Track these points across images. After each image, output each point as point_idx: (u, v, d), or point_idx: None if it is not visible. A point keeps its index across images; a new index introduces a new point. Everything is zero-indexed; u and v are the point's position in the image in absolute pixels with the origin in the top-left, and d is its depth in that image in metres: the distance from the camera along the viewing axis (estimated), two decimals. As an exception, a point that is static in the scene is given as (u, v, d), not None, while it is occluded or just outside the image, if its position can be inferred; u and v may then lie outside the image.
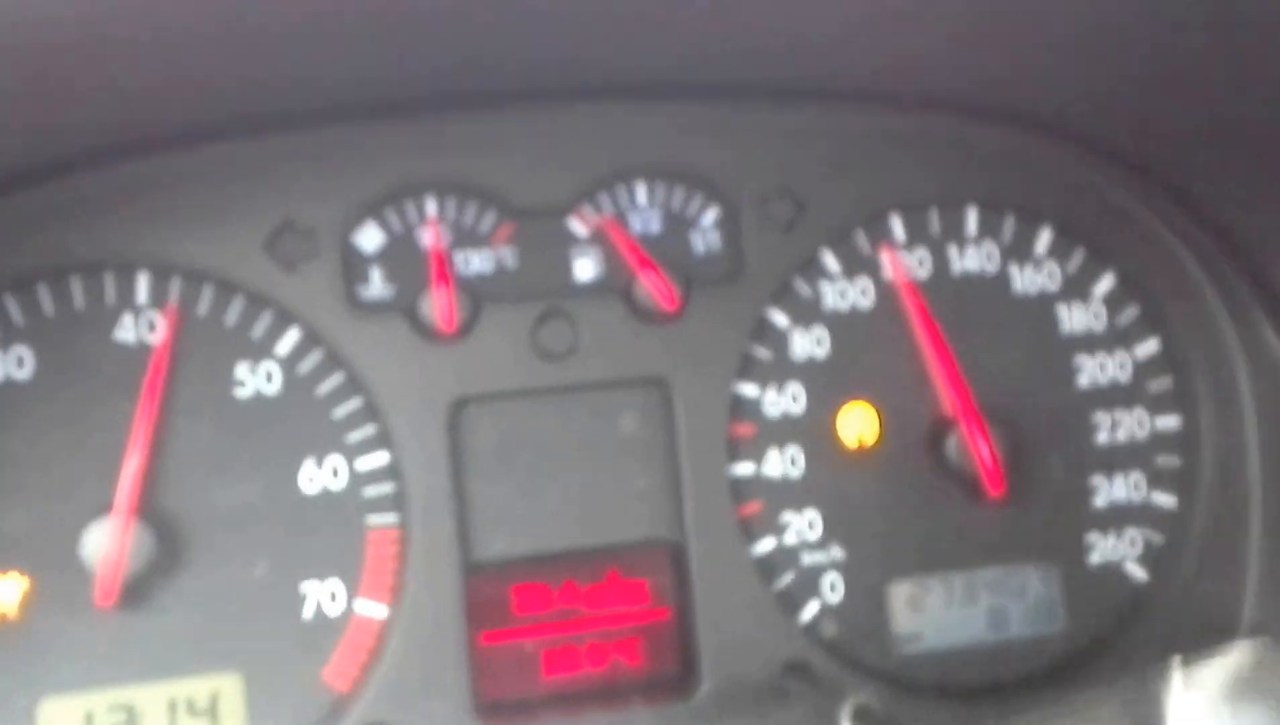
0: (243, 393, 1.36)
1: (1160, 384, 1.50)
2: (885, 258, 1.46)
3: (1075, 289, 1.49)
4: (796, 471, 1.43)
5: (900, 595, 1.44)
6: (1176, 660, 1.06)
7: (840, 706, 1.32)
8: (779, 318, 1.44)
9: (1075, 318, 1.49)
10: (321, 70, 1.25)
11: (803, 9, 1.19)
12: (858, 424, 1.44)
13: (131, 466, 1.31)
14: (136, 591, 1.30)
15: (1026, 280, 1.48)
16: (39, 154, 1.30)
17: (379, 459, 1.37)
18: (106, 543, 1.28)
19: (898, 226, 1.47)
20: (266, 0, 1.06)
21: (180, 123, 1.33)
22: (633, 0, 1.16)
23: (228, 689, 1.34)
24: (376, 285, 1.39)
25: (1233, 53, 1.15)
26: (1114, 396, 1.48)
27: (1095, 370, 1.48)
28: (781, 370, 1.44)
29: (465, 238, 1.41)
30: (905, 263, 1.46)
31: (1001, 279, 1.47)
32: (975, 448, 1.40)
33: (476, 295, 1.39)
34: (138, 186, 1.35)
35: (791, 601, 1.43)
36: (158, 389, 1.33)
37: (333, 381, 1.38)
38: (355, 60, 1.24)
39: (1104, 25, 1.17)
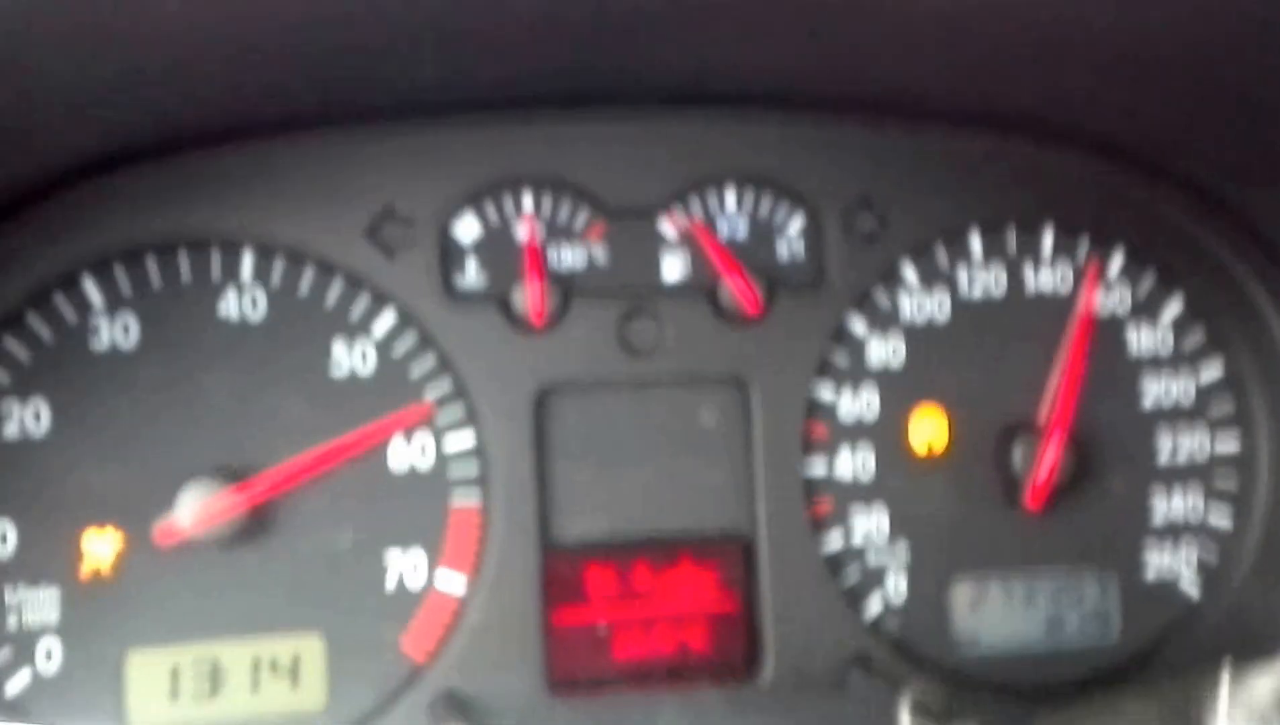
0: (338, 370, 1.41)
1: (1221, 407, 1.54)
2: (1086, 283, 1.50)
3: (1144, 312, 1.53)
4: (867, 473, 1.48)
5: (961, 596, 1.48)
6: (1225, 667, 1.09)
7: (899, 699, 1.36)
8: (857, 325, 1.48)
9: (1143, 340, 1.52)
10: (429, 69, 1.29)
11: (890, 33, 1.23)
12: (928, 430, 1.48)
13: (291, 469, 1.38)
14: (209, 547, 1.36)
15: (1098, 302, 1.52)
16: (158, 133, 1.35)
17: (466, 440, 1.42)
18: (202, 508, 1.33)
19: (976, 244, 1.50)
20: (381, 5, 1.11)
21: (291, 110, 1.37)
22: (732, 15, 1.21)
23: (310, 650, 1.39)
24: (471, 275, 1.44)
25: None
26: (1177, 418, 1.52)
27: (1160, 392, 1.52)
28: (857, 376, 1.48)
29: (559, 233, 1.45)
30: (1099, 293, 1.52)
31: (1073, 300, 1.51)
32: (1043, 458, 1.44)
33: (567, 289, 1.44)
34: (248, 169, 1.40)
35: (856, 597, 1.47)
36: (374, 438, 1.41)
37: (424, 364, 1.42)
38: (462, 61, 1.29)
39: (1170, 54, 1.20)
